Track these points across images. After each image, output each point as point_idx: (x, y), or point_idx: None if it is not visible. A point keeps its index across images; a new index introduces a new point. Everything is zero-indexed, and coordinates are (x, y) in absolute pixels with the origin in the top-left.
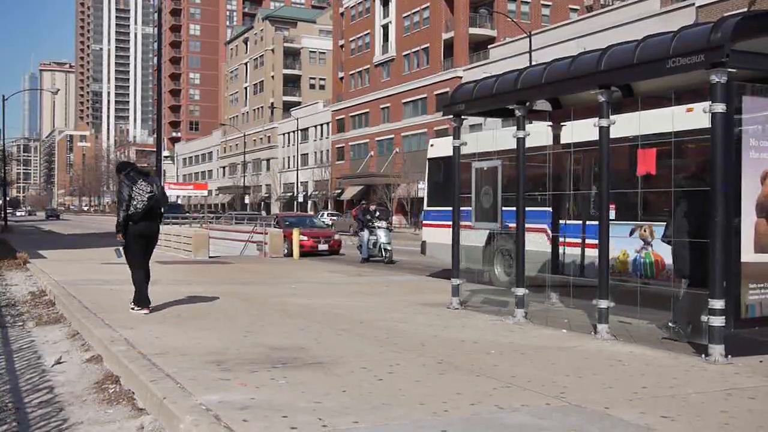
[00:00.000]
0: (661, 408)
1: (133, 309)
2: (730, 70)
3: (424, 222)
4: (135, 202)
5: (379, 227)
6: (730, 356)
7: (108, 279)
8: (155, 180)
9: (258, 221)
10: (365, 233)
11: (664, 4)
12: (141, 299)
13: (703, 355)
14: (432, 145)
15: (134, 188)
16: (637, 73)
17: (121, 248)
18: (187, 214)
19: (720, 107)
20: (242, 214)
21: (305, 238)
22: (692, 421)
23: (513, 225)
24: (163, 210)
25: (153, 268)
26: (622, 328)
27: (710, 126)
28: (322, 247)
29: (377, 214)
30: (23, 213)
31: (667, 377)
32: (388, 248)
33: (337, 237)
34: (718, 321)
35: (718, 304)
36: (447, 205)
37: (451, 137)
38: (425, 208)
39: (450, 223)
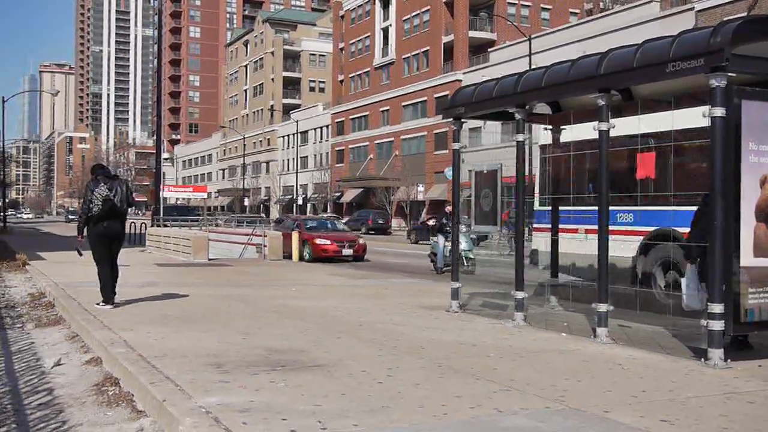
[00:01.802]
0: (660, 412)
1: (98, 305)
2: (729, 74)
3: (535, 226)
4: (92, 206)
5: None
6: (729, 360)
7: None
8: (119, 184)
9: (258, 224)
10: (441, 239)
11: (663, 8)
12: (105, 295)
13: (702, 359)
14: (547, 129)
15: (95, 192)
16: (636, 77)
17: (79, 247)
18: (200, 217)
19: (719, 111)
20: (245, 217)
21: (327, 242)
22: (691, 424)
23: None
24: (125, 210)
25: (151, 270)
26: (622, 331)
27: (709, 130)
28: (347, 251)
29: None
30: (30, 215)
31: (666, 381)
32: (471, 256)
33: (362, 241)
34: (717, 325)
35: (717, 308)
36: (568, 205)
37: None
38: (536, 208)
39: (575, 227)
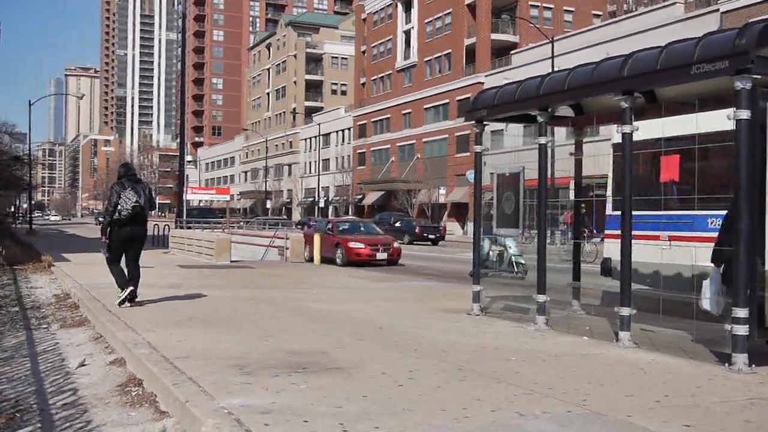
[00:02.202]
0: (683, 417)
1: (118, 297)
2: (755, 76)
3: (607, 232)
4: (120, 209)
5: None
6: (753, 365)
7: None
8: (144, 188)
9: (281, 226)
10: (486, 243)
11: (688, 10)
12: (120, 284)
13: (726, 364)
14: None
15: (122, 195)
16: (660, 80)
17: (104, 249)
18: (221, 219)
19: (745, 114)
20: (269, 219)
21: (361, 245)
22: (715, 430)
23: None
24: (146, 213)
25: (174, 272)
26: (644, 335)
27: (734, 132)
28: (381, 256)
29: None
30: (57, 217)
31: (690, 386)
32: (522, 261)
33: (396, 245)
34: (741, 329)
35: (741, 312)
36: (644, 209)
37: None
38: (609, 212)
39: (655, 234)
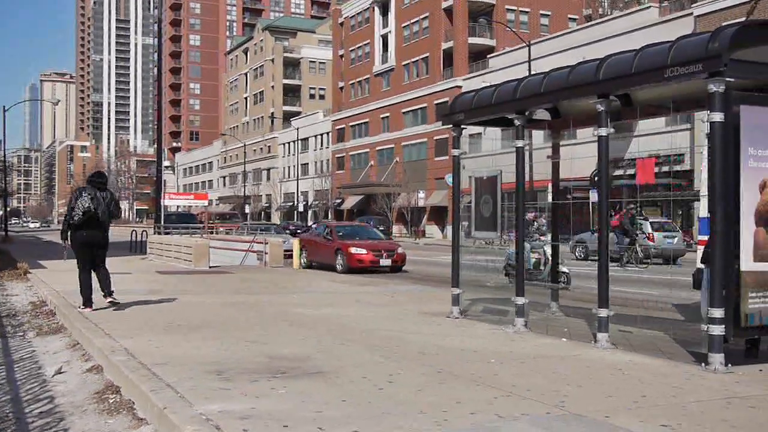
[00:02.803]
0: (661, 416)
1: (79, 308)
2: (728, 79)
3: (700, 238)
4: (74, 214)
5: (543, 240)
6: (730, 365)
7: None
8: (106, 196)
9: (273, 231)
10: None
11: (662, 14)
12: (83, 297)
13: (703, 364)
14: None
15: (78, 201)
16: (635, 83)
17: (65, 251)
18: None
19: (718, 116)
20: (257, 224)
21: (363, 251)
22: (692, 429)
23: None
24: (107, 220)
25: (152, 278)
26: (622, 336)
27: (709, 134)
28: (385, 262)
29: (536, 224)
30: (37, 224)
31: (668, 386)
32: (564, 270)
33: (401, 250)
34: (717, 330)
35: (717, 312)
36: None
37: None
38: (701, 214)
39: None
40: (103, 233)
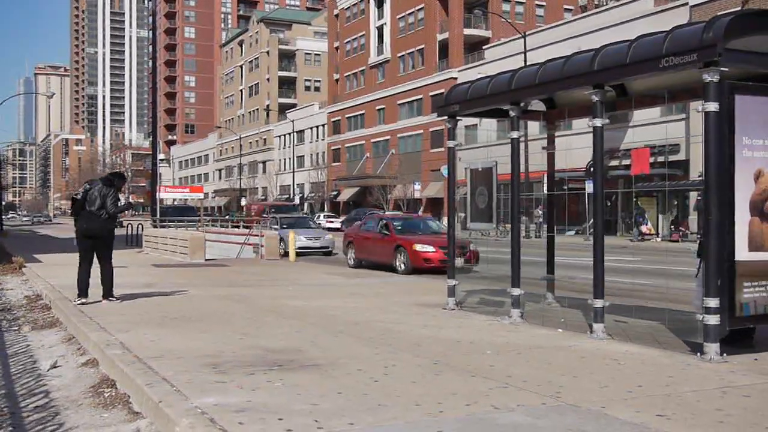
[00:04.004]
0: (656, 406)
1: (74, 300)
2: (722, 69)
3: None
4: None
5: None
6: (725, 354)
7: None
8: (101, 190)
9: (310, 223)
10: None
11: (657, 4)
12: (78, 290)
13: (698, 354)
14: None
15: (79, 192)
16: (630, 73)
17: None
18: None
19: (713, 106)
20: (287, 217)
21: (431, 248)
22: (688, 419)
23: None
24: (99, 213)
25: (147, 271)
26: (618, 327)
27: (703, 124)
28: (456, 261)
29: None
30: (41, 218)
31: (663, 376)
32: (472, 248)
33: (473, 247)
34: (713, 319)
35: (712, 302)
36: None
37: None
38: None
39: None
40: (102, 226)
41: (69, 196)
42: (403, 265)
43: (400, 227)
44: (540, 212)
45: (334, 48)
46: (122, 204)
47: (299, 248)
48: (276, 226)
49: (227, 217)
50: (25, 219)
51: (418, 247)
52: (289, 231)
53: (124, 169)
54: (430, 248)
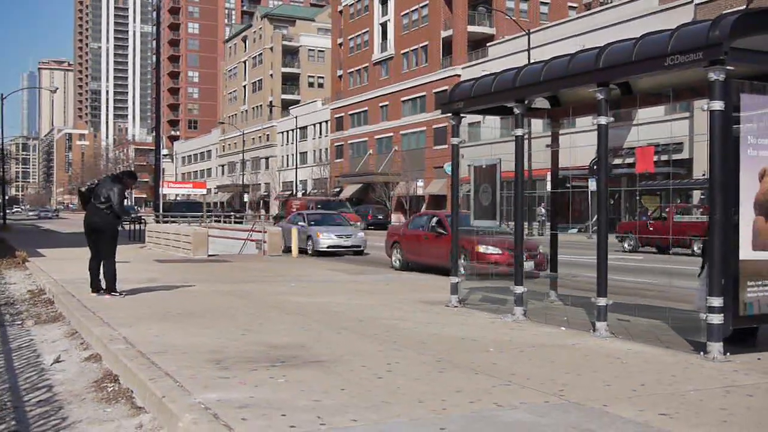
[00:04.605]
0: (660, 405)
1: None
2: (728, 67)
3: None
4: None
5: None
6: (728, 354)
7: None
8: (104, 184)
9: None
10: None
11: (662, 2)
12: (90, 283)
13: (701, 353)
14: None
15: (86, 185)
16: (635, 71)
17: None
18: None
19: (718, 105)
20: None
21: (497, 250)
22: (691, 418)
23: None
24: (100, 207)
25: (150, 267)
26: (621, 325)
27: (708, 123)
28: (526, 265)
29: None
30: (48, 212)
31: (666, 374)
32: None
33: (543, 249)
34: (716, 318)
35: (716, 301)
36: None
37: None
38: None
39: None
40: (105, 220)
41: (72, 190)
42: (462, 269)
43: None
44: (543, 210)
45: (337, 44)
46: (127, 204)
47: (328, 247)
48: (302, 223)
49: (259, 213)
50: (30, 213)
51: (483, 249)
52: (316, 228)
53: (128, 163)
54: (497, 250)
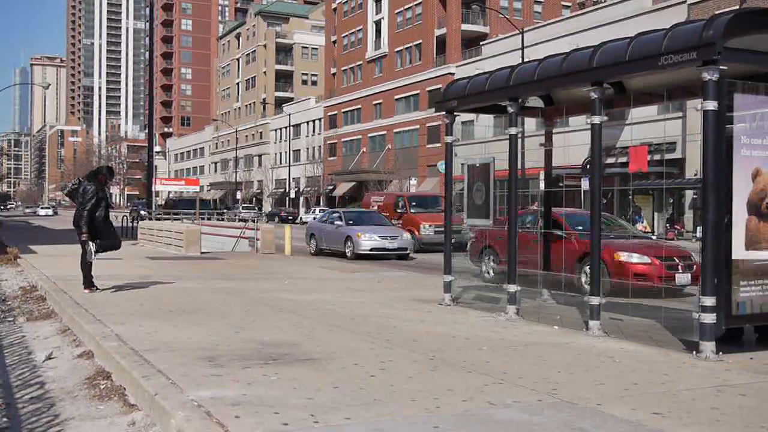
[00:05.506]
0: (652, 404)
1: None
2: (722, 67)
3: None
4: None
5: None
6: (720, 353)
7: (99, 274)
8: (85, 183)
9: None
10: None
11: (656, 2)
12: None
13: (694, 352)
14: None
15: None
16: (629, 70)
17: None
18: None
19: (712, 105)
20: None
21: (645, 258)
22: (683, 417)
23: None
24: (77, 203)
25: (143, 264)
26: (614, 324)
27: (702, 123)
28: (681, 278)
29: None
30: (50, 211)
31: (659, 374)
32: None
33: (695, 258)
34: (709, 318)
35: (708, 301)
36: None
37: None
38: None
39: None
40: (76, 215)
41: (63, 188)
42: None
43: (581, 227)
44: (536, 209)
45: (331, 42)
46: (92, 204)
47: (370, 249)
48: (339, 222)
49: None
50: (27, 210)
51: (624, 258)
52: (356, 228)
53: (120, 160)
54: (645, 259)
